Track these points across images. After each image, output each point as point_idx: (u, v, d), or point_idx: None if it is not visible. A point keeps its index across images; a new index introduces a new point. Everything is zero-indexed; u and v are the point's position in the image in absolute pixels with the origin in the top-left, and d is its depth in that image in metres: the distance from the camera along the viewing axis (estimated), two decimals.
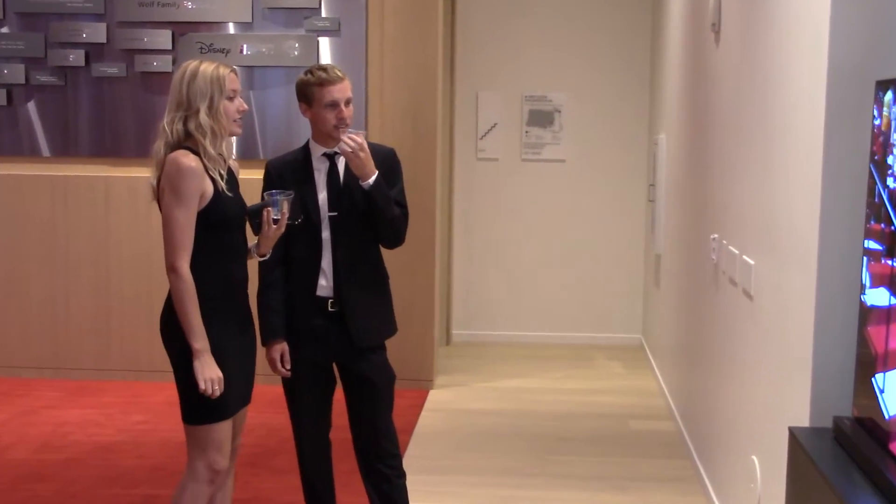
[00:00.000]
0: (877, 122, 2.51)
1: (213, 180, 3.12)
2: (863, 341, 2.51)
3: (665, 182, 6.33)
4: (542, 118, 7.54)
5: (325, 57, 6.15)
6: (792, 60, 3.12)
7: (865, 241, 2.53)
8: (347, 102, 3.39)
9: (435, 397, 6.13)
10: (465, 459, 5.01)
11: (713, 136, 4.54)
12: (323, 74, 3.36)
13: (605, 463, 4.97)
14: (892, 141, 2.41)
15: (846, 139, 2.73)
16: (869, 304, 2.48)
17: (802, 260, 2.91)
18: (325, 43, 6.16)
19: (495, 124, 7.57)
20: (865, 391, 2.47)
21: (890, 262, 2.34)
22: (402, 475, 3.61)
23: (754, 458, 3.48)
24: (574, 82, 7.50)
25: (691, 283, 5.12)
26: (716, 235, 4.34)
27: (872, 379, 2.42)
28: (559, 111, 7.52)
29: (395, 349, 6.06)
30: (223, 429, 3.17)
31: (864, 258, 2.53)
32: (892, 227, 2.33)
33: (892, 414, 2.29)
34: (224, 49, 6.16)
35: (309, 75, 3.39)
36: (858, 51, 2.70)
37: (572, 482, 4.70)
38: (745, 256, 3.72)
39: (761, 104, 3.53)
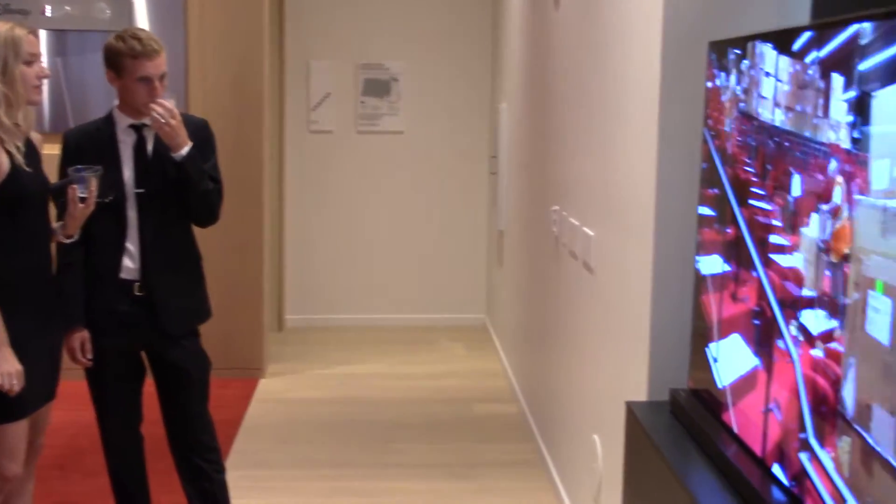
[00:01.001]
0: (709, 84, 2.59)
1: (10, 154, 2.98)
2: (697, 311, 2.59)
3: (507, 154, 6.40)
4: (378, 87, 7.51)
5: (141, 20, 5.95)
6: (627, 24, 3.18)
7: (699, 208, 2.61)
8: (162, 78, 3.28)
9: (265, 387, 6.05)
10: (295, 452, 4.96)
11: (553, 104, 4.61)
12: (136, 45, 3.23)
13: (446, 450, 5.01)
14: (724, 103, 2.48)
15: (681, 104, 2.80)
16: (703, 272, 2.56)
17: (640, 230, 2.98)
18: (140, 4, 5.96)
19: (328, 94, 7.50)
20: (700, 362, 2.55)
21: (723, 229, 2.42)
22: (222, 470, 3.55)
23: (596, 437, 3.56)
24: (412, 50, 7.50)
25: (534, 258, 5.20)
26: (556, 207, 4.41)
27: (706, 349, 2.50)
28: (396, 80, 7.51)
29: (221, 336, 6.02)
30: (15, 431, 3.02)
31: (697, 226, 2.61)
32: (724, 193, 2.41)
33: (724, 384, 2.37)
34: (23, 10, 5.89)
35: (120, 43, 3.25)
36: (693, 12, 2.77)
37: (410, 471, 4.72)
38: (585, 228, 3.80)
39: (599, 71, 3.59)
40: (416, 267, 7.67)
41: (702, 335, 2.54)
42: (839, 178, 1.80)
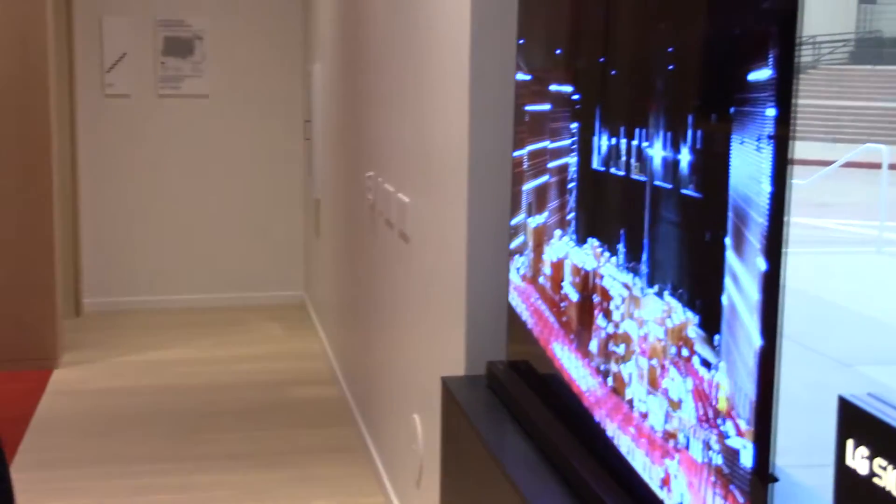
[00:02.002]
0: (521, 41, 2.62)
1: None
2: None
3: (322, 118, 6.35)
4: (180, 47, 7.32)
5: None
6: None
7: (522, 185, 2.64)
8: None
9: (60, 378, 5.85)
10: (93, 448, 4.82)
11: (367, 64, 4.59)
12: None
13: (260, 437, 4.97)
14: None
15: (494, 62, 2.81)
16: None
17: (454, 197, 2.99)
18: None
19: (124, 54, 7.27)
20: (517, 335, 2.59)
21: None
22: None
23: (416, 416, 3.58)
24: (217, 5, 7.34)
25: (351, 229, 5.19)
26: (371, 173, 4.40)
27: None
28: (200, 39, 7.34)
29: (9, 324, 5.81)
30: None
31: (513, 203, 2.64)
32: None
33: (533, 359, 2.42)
34: None
35: None
36: None
37: (221, 462, 4.65)
38: (400, 195, 3.80)
39: (411, 28, 3.59)
40: (227, 242, 7.55)
41: (517, 315, 2.58)
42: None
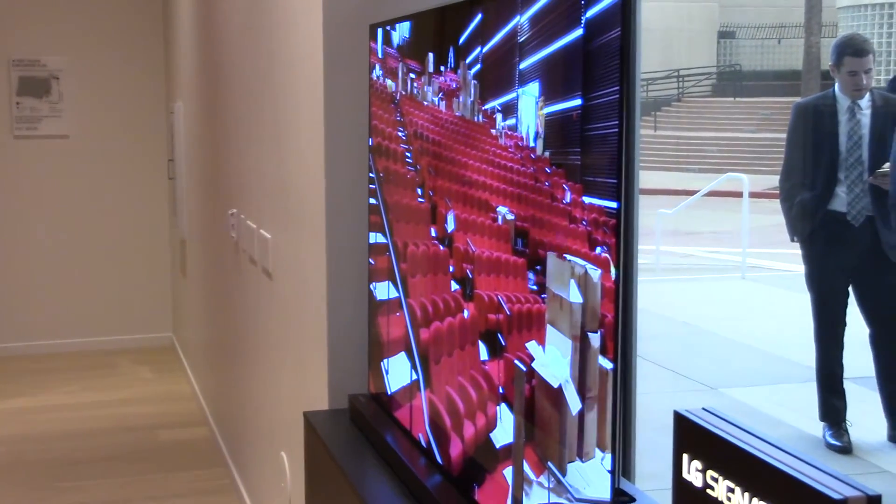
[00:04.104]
0: (374, 73, 2.64)
1: None
2: (373, 325, 2.65)
3: (185, 156, 6.28)
4: (36, 86, 7.16)
5: None
6: (290, 11, 3.19)
7: (371, 235, 2.66)
8: None
9: None
10: None
11: (227, 101, 4.56)
12: None
13: (129, 483, 4.86)
14: (386, 93, 2.54)
15: (347, 95, 2.83)
16: (377, 296, 2.62)
17: (314, 233, 2.99)
18: None
19: None
20: (377, 371, 2.60)
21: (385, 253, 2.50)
22: None
23: (283, 453, 3.54)
24: (75, 43, 7.20)
25: (217, 267, 5.13)
26: (234, 210, 4.37)
27: (381, 362, 2.57)
28: (57, 78, 7.19)
29: None
30: None
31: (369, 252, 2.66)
32: (385, 217, 2.49)
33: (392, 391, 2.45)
34: None
35: None
36: None
37: None
38: (262, 231, 3.78)
39: (268, 63, 3.59)
40: (92, 285, 7.38)
41: (377, 346, 2.61)
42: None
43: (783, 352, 6.82)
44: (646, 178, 16.19)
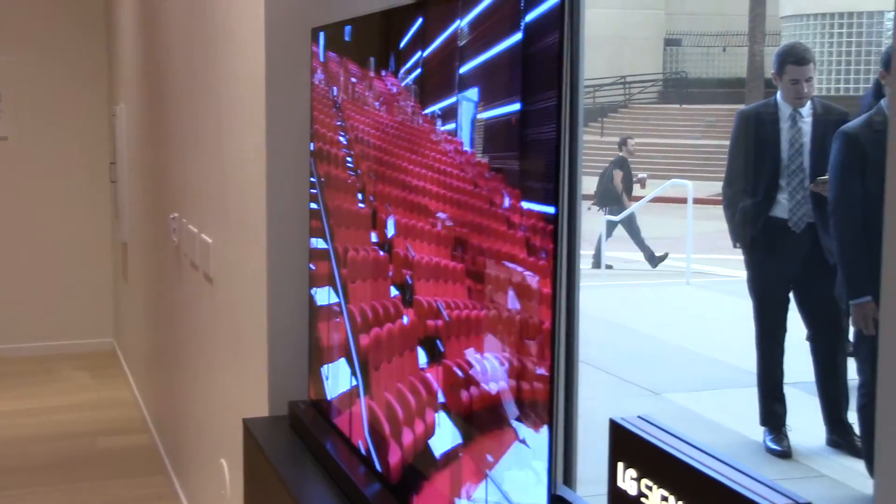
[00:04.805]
0: (318, 78, 2.62)
1: None
2: (313, 331, 2.63)
3: (127, 159, 6.22)
4: None
5: None
6: (232, 13, 3.16)
7: (312, 240, 2.63)
8: None
9: None
10: None
11: (169, 103, 4.52)
12: None
13: (66, 490, 4.80)
14: (327, 98, 2.52)
15: (289, 98, 2.81)
16: (317, 302, 2.60)
17: (255, 238, 2.96)
18: None
19: None
20: (317, 377, 2.58)
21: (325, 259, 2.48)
22: None
23: (223, 461, 3.51)
24: (14, 44, 7.10)
25: (158, 272, 5.08)
26: (176, 214, 4.32)
27: (321, 368, 2.55)
28: None
29: None
30: None
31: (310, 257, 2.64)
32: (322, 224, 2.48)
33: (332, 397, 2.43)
34: None
35: None
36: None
37: None
38: (203, 235, 3.74)
39: (210, 66, 3.55)
40: (31, 289, 7.27)
41: (318, 352, 2.59)
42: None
43: (726, 357, 6.88)
44: (591, 184, 16.30)
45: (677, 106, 23.99)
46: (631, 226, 11.02)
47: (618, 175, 11.31)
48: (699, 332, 7.97)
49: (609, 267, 10.68)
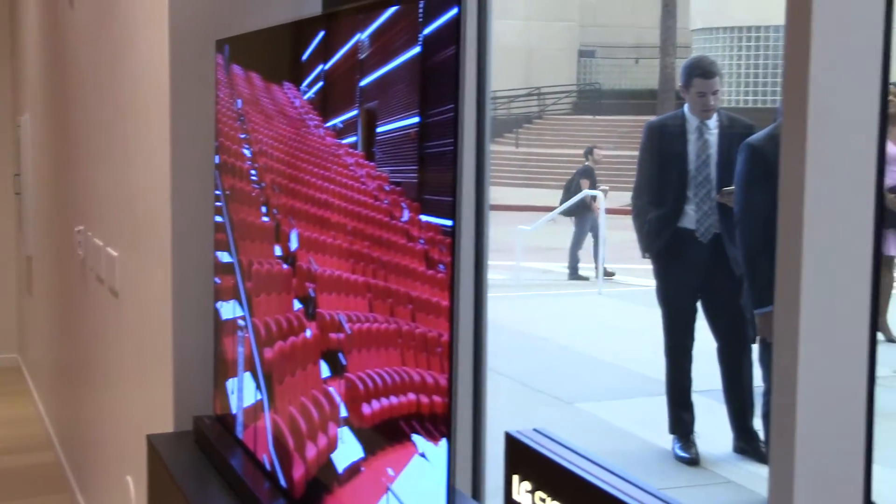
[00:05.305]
0: (222, 90, 2.60)
1: None
2: (218, 345, 2.61)
3: (32, 171, 6.11)
4: None
5: None
6: (137, 23, 3.12)
7: (217, 254, 2.61)
8: None
9: None
10: None
11: (75, 114, 4.45)
12: None
13: None
14: (229, 111, 2.50)
15: (194, 110, 2.78)
16: (223, 316, 2.58)
17: (160, 251, 2.93)
18: None
19: None
20: (222, 391, 2.56)
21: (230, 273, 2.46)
22: None
23: (129, 478, 3.45)
24: None
25: (64, 286, 4.99)
26: (81, 227, 4.25)
27: (227, 382, 2.53)
28: None
29: None
30: None
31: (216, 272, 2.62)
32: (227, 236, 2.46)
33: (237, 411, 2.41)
34: None
35: None
36: (203, 6, 2.75)
37: None
38: (109, 249, 3.69)
39: (116, 76, 3.51)
40: None
41: (223, 366, 2.56)
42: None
43: (637, 366, 6.96)
44: (506, 195, 16.38)
45: (591, 117, 24.23)
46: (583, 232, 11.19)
47: (584, 184, 11.45)
48: (611, 342, 8.05)
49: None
